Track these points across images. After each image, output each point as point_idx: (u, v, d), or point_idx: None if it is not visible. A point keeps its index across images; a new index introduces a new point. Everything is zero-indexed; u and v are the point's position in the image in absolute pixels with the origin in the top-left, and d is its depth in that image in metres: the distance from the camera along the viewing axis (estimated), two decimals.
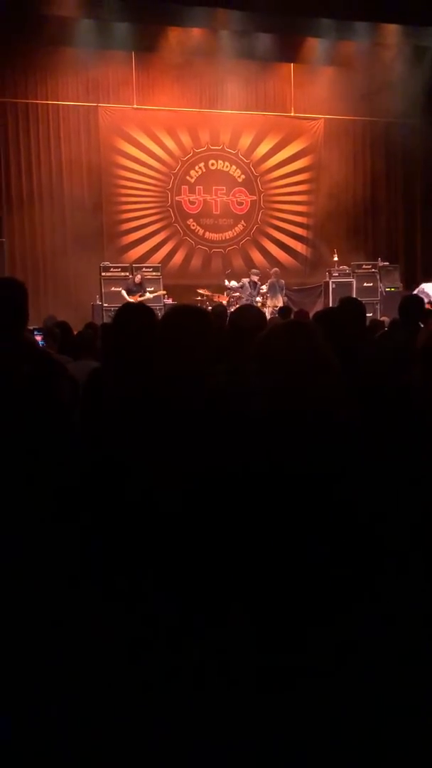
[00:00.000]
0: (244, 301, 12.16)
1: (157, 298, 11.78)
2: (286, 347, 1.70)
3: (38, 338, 5.63)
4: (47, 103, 13.21)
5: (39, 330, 5.26)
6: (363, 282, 13.22)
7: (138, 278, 12.10)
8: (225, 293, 12.61)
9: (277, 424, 1.64)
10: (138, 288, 11.97)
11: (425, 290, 12.39)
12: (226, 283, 12.69)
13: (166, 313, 2.11)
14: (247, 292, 12.42)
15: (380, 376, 2.70)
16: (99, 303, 12.17)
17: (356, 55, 13.49)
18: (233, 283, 12.70)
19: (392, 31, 13.14)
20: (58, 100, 13.24)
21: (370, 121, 14.18)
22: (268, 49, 13.35)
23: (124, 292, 11.85)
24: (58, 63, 12.75)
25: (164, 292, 12.34)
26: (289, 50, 13.59)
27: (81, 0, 11.87)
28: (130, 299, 11.57)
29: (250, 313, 3.46)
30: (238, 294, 12.40)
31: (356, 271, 13.32)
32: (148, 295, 11.87)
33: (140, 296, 11.83)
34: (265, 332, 1.88)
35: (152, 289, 12.14)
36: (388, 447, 1.85)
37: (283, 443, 1.60)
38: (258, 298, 12.50)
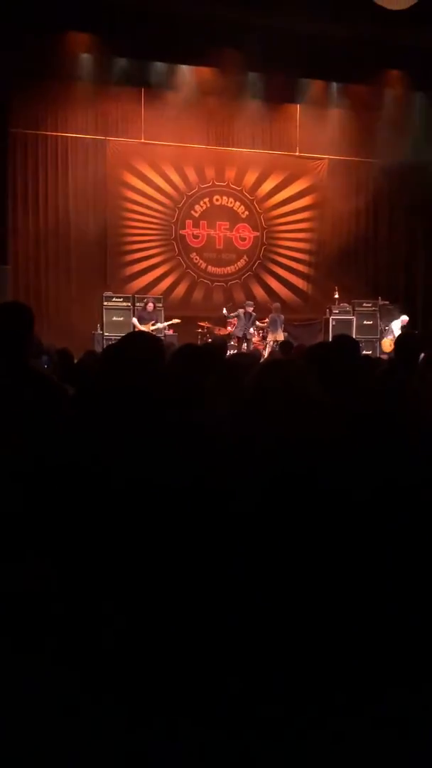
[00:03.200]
0: (238, 332, 12.36)
1: (157, 330, 11.84)
2: (268, 385, 1.75)
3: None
4: (56, 135, 13.42)
5: (44, 354, 5.27)
6: (363, 320, 13.32)
7: (150, 306, 12.14)
8: (226, 325, 12.71)
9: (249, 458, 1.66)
10: (150, 316, 12.01)
11: (392, 327, 12.63)
12: (224, 312, 12.82)
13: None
14: (242, 323, 12.52)
15: (377, 408, 2.70)
16: (100, 332, 12.22)
17: (362, 99, 13.77)
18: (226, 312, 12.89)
19: (398, 75, 13.45)
20: (67, 132, 13.46)
21: (374, 163, 14.40)
22: (275, 89, 13.61)
23: (135, 320, 11.89)
24: (68, 96, 12.96)
25: (178, 321, 12.35)
26: (296, 91, 13.87)
27: (92, 36, 12.15)
28: (142, 327, 11.58)
29: (246, 354, 3.52)
30: (235, 325, 12.54)
31: (357, 308, 13.42)
32: (159, 325, 11.91)
33: (152, 324, 11.86)
34: (256, 369, 1.93)
35: (166, 325, 12.15)
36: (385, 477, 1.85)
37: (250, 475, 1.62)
38: (252, 329, 12.61)
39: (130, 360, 2.17)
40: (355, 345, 3.68)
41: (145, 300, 12.48)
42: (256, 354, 10.08)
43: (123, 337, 2.36)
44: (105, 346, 6.75)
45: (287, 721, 1.40)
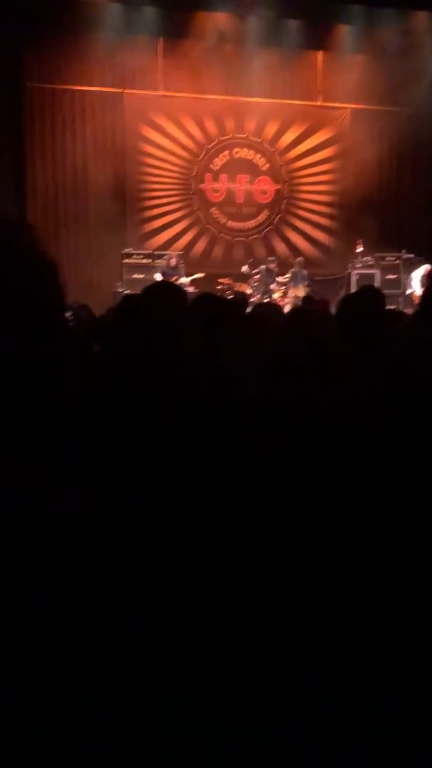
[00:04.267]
0: (261, 288, 12.20)
1: (181, 285, 11.72)
2: (286, 333, 1.72)
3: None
4: (73, 89, 13.20)
5: (67, 309, 5.27)
6: (386, 274, 13.08)
7: (173, 261, 12.02)
8: (247, 281, 12.57)
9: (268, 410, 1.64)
10: (173, 271, 11.90)
11: (412, 277, 12.35)
12: (243, 269, 12.63)
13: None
14: (264, 280, 12.40)
15: (407, 358, 2.67)
16: (120, 290, 12.16)
17: (386, 44, 13.30)
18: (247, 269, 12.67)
19: (423, 19, 12.96)
20: (84, 86, 13.22)
21: (398, 112, 13.99)
22: (297, 36, 13.21)
23: (159, 276, 11.81)
24: (84, 48, 12.70)
25: (202, 275, 12.19)
26: (318, 37, 13.44)
27: None
28: None
29: (269, 305, 3.50)
30: (258, 280, 12.37)
31: (380, 262, 13.19)
32: (183, 279, 11.80)
33: (176, 280, 11.77)
34: (279, 320, 1.91)
35: (189, 280, 11.99)
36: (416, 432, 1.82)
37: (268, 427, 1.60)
38: (272, 285, 12.47)
39: (150, 312, 2.15)
40: (380, 296, 3.64)
41: (167, 255, 12.35)
42: (278, 307, 10.00)
43: (144, 288, 2.34)
44: (123, 298, 6.68)
45: (287, 715, 1.38)
